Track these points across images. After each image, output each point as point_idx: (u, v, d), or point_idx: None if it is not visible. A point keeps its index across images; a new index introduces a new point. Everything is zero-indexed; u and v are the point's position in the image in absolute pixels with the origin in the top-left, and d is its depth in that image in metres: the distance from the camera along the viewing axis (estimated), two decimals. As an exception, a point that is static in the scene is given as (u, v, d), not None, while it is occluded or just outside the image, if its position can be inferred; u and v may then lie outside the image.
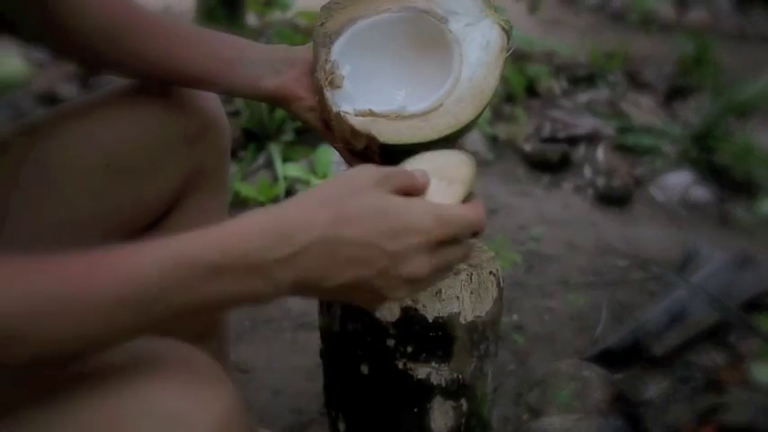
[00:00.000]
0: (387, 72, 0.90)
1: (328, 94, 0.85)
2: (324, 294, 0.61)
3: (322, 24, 0.87)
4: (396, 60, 0.90)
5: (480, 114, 0.84)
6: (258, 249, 0.56)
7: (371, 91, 0.87)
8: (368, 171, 0.62)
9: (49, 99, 2.49)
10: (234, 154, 2.22)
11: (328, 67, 0.85)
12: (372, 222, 0.58)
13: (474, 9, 0.86)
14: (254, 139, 2.30)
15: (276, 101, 0.91)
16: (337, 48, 0.86)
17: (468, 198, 0.67)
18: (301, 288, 0.59)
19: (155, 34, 0.85)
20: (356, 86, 0.87)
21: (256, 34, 3.68)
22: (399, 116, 0.84)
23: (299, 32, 3.54)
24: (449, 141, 0.83)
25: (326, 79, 0.85)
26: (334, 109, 0.85)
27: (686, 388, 1.36)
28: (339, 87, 0.86)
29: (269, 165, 2.24)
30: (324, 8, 0.88)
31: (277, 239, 0.56)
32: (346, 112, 0.84)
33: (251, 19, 3.74)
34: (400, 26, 0.88)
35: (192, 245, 0.55)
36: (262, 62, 0.88)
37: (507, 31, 0.86)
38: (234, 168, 2.17)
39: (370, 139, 0.83)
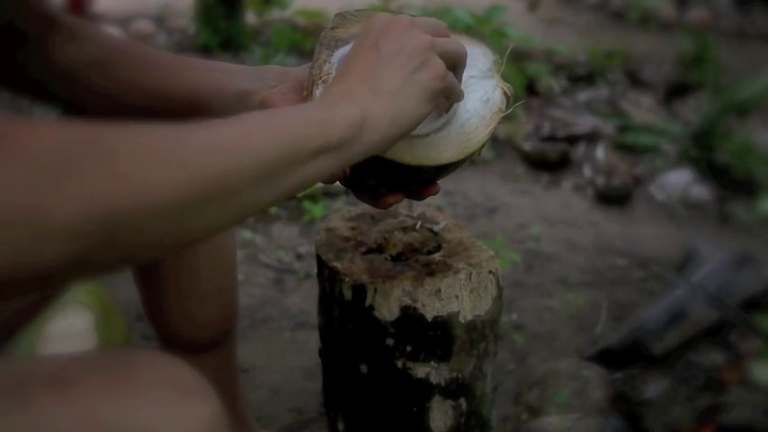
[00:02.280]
0: None
1: (318, 92, 0.82)
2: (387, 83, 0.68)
3: (332, 29, 0.86)
4: None
5: (461, 163, 0.81)
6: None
7: None
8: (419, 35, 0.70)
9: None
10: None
11: (326, 67, 0.83)
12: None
13: (483, 66, 0.85)
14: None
15: None
16: (339, 53, 0.85)
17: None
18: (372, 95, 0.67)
19: (146, 62, 0.86)
20: None
21: (255, 32, 3.68)
22: None
23: (298, 31, 3.54)
24: (420, 174, 0.80)
25: (321, 77, 0.83)
26: None
27: (686, 388, 1.36)
28: None
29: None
30: (339, 15, 0.87)
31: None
32: None
33: (250, 18, 3.74)
34: None
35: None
36: (251, 78, 0.87)
37: (508, 98, 0.85)
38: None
39: None
